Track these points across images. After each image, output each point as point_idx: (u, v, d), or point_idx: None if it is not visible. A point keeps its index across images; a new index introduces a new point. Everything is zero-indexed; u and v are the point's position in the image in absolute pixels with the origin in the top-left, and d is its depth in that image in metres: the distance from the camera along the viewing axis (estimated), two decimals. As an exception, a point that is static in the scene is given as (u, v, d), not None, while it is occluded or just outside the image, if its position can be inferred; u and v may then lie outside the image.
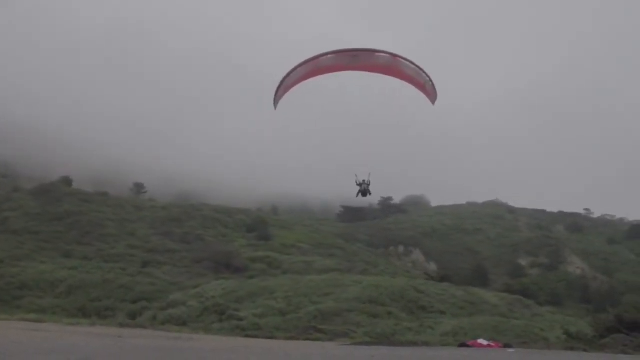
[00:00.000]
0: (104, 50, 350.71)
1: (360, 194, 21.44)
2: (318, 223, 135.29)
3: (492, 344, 34.48)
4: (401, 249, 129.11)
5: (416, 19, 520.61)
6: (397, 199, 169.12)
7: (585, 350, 32.73)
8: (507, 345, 34.78)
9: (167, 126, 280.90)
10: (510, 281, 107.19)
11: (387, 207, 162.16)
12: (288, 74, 19.13)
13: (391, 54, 19.10)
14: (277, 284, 57.25)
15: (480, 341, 34.96)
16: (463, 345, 34.63)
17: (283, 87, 19.49)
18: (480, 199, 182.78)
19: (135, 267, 67.83)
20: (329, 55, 18.90)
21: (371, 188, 21.21)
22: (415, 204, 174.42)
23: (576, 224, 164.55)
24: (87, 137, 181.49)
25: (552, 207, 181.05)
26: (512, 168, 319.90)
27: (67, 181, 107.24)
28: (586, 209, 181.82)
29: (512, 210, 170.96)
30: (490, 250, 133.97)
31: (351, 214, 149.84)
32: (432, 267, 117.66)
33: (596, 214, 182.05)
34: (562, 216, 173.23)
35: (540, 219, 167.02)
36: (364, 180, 21.13)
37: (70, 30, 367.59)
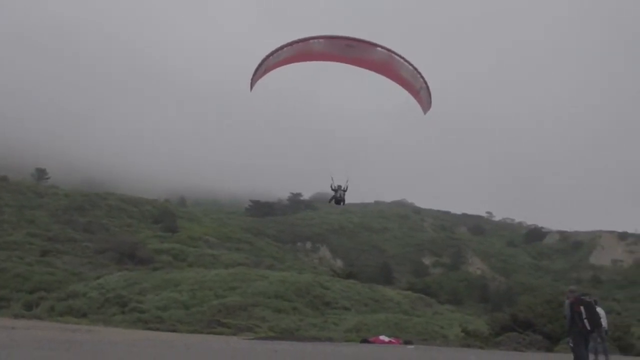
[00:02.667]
0: (8, 25, 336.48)
1: (333, 200, 19.03)
2: (226, 216, 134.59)
3: (393, 340, 35.15)
4: (308, 245, 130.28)
5: (323, 27, 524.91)
6: (306, 195, 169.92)
7: (480, 348, 33.94)
8: (407, 342, 35.54)
9: (75, 110, 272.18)
10: (414, 279, 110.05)
11: (296, 202, 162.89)
12: (271, 53, 17.01)
13: (388, 49, 17.32)
14: (182, 276, 56.31)
15: (382, 337, 35.54)
16: (365, 341, 35.11)
17: (264, 67, 17.32)
18: (387, 198, 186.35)
19: (34, 255, 64.94)
20: (320, 40, 17.04)
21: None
22: (324, 201, 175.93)
23: (478, 226, 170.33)
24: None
25: (456, 209, 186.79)
26: (419, 171, 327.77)
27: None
28: (488, 212, 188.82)
29: (417, 211, 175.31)
30: (395, 249, 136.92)
31: (260, 208, 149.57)
32: (339, 263, 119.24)
33: (497, 217, 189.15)
34: (465, 218, 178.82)
35: (445, 220, 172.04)
36: (339, 186, 18.68)
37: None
